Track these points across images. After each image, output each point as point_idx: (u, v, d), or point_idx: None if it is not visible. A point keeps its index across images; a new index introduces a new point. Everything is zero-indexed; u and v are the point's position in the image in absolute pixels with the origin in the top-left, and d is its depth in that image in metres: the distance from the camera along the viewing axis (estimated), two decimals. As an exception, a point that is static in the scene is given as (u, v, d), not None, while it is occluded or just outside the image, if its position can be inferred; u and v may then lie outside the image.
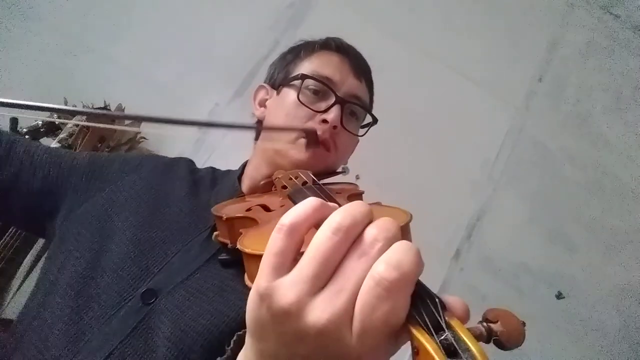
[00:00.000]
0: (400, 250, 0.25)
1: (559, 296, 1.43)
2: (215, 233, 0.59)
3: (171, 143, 1.37)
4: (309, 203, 0.29)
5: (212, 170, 0.84)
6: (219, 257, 0.59)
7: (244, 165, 0.82)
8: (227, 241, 0.55)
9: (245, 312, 0.58)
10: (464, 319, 0.26)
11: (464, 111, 1.54)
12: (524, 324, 0.25)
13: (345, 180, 0.77)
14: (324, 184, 0.61)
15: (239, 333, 0.36)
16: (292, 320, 0.26)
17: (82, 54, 1.38)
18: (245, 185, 0.76)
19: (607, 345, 1.41)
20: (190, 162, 0.83)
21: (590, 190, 1.56)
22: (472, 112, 1.55)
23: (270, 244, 0.28)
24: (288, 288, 0.27)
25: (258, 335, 0.30)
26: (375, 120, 0.81)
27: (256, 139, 0.87)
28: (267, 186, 0.69)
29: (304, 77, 0.72)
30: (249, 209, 0.55)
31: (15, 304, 1.09)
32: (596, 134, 1.62)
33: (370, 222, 0.28)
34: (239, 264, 0.59)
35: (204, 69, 1.42)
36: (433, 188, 1.43)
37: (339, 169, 0.78)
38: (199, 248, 0.63)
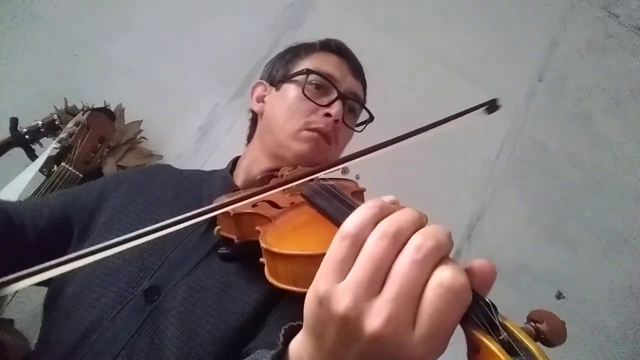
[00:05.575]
0: (455, 264, 0.27)
1: (559, 296, 1.43)
2: (217, 228, 0.58)
3: (171, 143, 1.37)
4: (367, 211, 0.30)
5: (197, 171, 0.85)
6: (219, 251, 0.59)
7: (233, 162, 0.83)
8: (233, 236, 0.55)
9: (251, 307, 0.58)
10: (493, 280, 0.28)
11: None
12: (564, 322, 0.27)
13: (345, 179, 0.77)
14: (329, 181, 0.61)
15: (285, 327, 0.36)
16: (350, 324, 0.27)
17: (82, 54, 1.37)
18: (240, 179, 0.77)
19: (607, 345, 1.41)
20: (169, 167, 0.83)
21: (590, 190, 1.56)
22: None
23: (334, 250, 0.29)
24: (344, 293, 0.28)
25: (317, 333, 0.31)
26: (371, 118, 0.84)
27: (249, 138, 0.88)
28: (265, 180, 0.69)
29: (309, 71, 0.74)
30: (255, 205, 0.55)
31: (15, 304, 1.09)
32: (596, 134, 1.62)
33: (420, 226, 0.29)
34: (241, 259, 0.58)
35: (204, 69, 1.42)
36: (433, 188, 1.43)
37: (341, 171, 0.79)
38: (197, 242, 0.63)
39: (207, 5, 1.47)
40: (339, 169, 0.52)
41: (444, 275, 0.26)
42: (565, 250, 1.49)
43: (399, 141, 0.49)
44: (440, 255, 0.27)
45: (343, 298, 0.27)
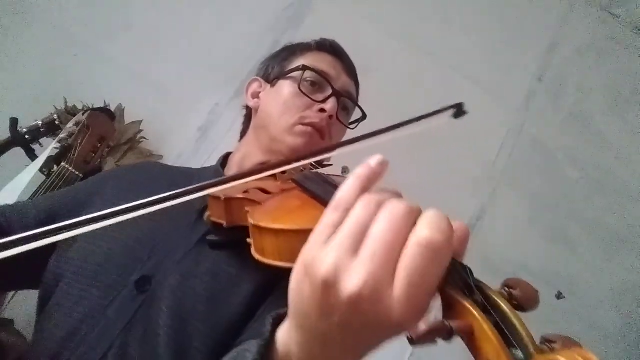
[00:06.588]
0: (436, 216, 0.27)
1: (559, 296, 1.43)
2: (207, 214, 0.58)
3: (171, 143, 1.37)
4: (356, 181, 0.31)
5: (187, 168, 0.86)
6: (208, 238, 0.59)
7: (224, 157, 0.84)
8: (223, 221, 0.55)
9: (242, 297, 0.58)
10: (467, 238, 0.29)
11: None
12: (537, 291, 0.28)
13: (336, 175, 0.78)
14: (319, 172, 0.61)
15: (272, 315, 0.36)
16: (330, 287, 0.27)
17: (82, 54, 1.37)
18: (233, 172, 0.77)
19: (607, 345, 1.41)
20: (159, 163, 0.84)
21: (590, 190, 1.56)
22: (472, 112, 1.54)
23: (325, 219, 0.30)
24: (326, 255, 0.28)
25: (297, 310, 0.31)
26: (364, 116, 0.86)
27: (242, 134, 0.89)
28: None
29: (305, 68, 0.76)
30: (246, 191, 0.55)
31: (15, 304, 1.09)
32: (596, 134, 1.62)
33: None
34: (230, 246, 0.58)
35: (204, 69, 1.42)
36: (433, 188, 1.43)
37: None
38: (188, 230, 0.63)
39: (207, 6, 1.47)
40: (328, 156, 0.52)
41: (422, 233, 0.26)
42: (565, 250, 1.49)
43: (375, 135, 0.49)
44: (415, 216, 0.28)
45: (325, 259, 0.28)
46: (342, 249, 0.28)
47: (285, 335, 0.33)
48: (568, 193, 1.55)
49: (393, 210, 0.28)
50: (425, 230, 0.26)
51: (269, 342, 0.35)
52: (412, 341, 0.25)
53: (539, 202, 1.53)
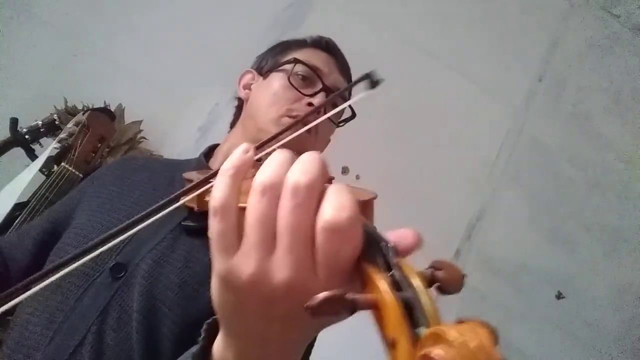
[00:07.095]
0: (336, 193, 0.26)
1: (559, 296, 1.43)
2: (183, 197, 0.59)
3: (171, 143, 1.37)
4: (224, 180, 0.29)
5: (170, 159, 0.87)
6: (182, 223, 0.59)
7: (209, 148, 0.84)
8: (194, 205, 0.55)
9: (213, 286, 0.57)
10: (413, 246, 0.27)
11: (464, 111, 1.54)
12: (464, 276, 0.27)
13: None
14: None
15: (208, 321, 0.36)
16: (259, 287, 0.27)
17: (82, 54, 1.37)
18: (218, 162, 0.78)
19: (607, 345, 1.41)
20: (139, 156, 0.84)
21: (590, 190, 1.56)
22: (472, 112, 1.54)
23: (211, 230, 0.29)
24: (244, 260, 0.27)
25: (229, 320, 0.31)
26: (354, 115, 0.85)
27: (232, 125, 0.90)
28: None
29: (296, 60, 0.76)
30: None
31: (15, 304, 1.09)
32: (596, 134, 1.62)
33: (289, 164, 0.28)
34: (204, 233, 0.59)
35: (204, 69, 1.42)
36: (433, 188, 1.43)
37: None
38: (165, 216, 0.63)
39: (207, 5, 1.47)
40: (298, 133, 0.51)
41: (325, 215, 0.25)
42: (565, 250, 1.49)
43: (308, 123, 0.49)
44: (318, 189, 0.27)
45: (244, 267, 0.27)
46: (259, 250, 0.27)
47: (220, 347, 0.33)
48: (568, 193, 1.55)
49: (294, 192, 0.26)
50: (329, 211, 0.25)
51: (206, 351, 0.34)
52: (311, 311, 0.23)
53: (539, 202, 1.53)
